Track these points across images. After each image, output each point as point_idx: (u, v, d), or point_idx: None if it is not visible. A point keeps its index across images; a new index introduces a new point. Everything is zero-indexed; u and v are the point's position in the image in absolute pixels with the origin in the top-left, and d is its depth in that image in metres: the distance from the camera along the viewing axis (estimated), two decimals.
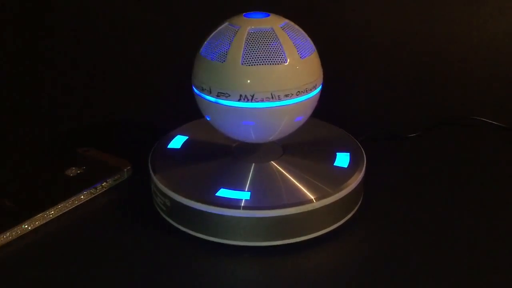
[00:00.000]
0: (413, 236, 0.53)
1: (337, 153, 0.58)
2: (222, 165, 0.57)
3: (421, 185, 0.61)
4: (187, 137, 0.62)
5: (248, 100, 0.50)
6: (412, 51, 0.83)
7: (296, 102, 0.51)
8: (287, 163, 0.57)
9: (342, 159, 0.58)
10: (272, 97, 0.50)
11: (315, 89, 0.53)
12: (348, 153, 0.58)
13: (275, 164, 0.56)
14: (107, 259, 0.51)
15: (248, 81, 0.50)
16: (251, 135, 0.55)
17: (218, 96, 0.51)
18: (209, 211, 0.51)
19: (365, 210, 0.57)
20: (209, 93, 0.51)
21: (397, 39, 0.84)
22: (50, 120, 0.79)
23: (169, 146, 0.61)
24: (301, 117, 0.55)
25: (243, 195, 0.52)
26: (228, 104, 0.51)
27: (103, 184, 0.60)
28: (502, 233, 0.53)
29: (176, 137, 0.62)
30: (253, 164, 0.56)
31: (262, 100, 0.50)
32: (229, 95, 0.50)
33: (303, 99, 0.52)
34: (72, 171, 0.62)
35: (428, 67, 0.82)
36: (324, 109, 0.65)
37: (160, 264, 0.50)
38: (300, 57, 0.51)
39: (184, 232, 0.53)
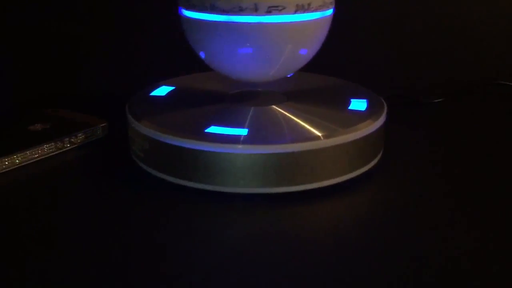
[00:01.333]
0: (432, 197, 0.44)
1: (351, 99, 0.49)
2: (215, 108, 0.47)
3: (444, 148, 0.52)
4: (173, 87, 0.53)
5: (249, 13, 0.41)
6: (438, 13, 0.75)
7: (304, 20, 0.43)
8: (291, 107, 0.47)
9: (359, 104, 0.48)
10: (277, 8, 0.41)
11: (328, 8, 0.44)
12: (365, 100, 0.49)
13: (277, 108, 0.47)
14: (73, 208, 0.41)
15: None
16: (249, 68, 0.46)
17: (211, 9, 0.42)
18: (197, 147, 0.41)
19: (384, 166, 0.47)
20: (201, 7, 0.43)
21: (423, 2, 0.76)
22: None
23: (152, 94, 0.51)
24: (306, 50, 0.46)
25: (240, 132, 0.42)
26: (223, 20, 0.42)
27: (72, 139, 0.51)
28: None
29: (160, 87, 0.53)
30: (252, 107, 0.47)
31: (264, 13, 0.41)
32: (226, 9, 0.41)
33: (311, 17, 0.43)
34: (37, 127, 0.52)
35: (453, 30, 0.74)
36: (338, 69, 0.57)
37: (137, 218, 0.40)
38: None
39: (167, 181, 0.43)
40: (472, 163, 0.49)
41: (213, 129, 0.42)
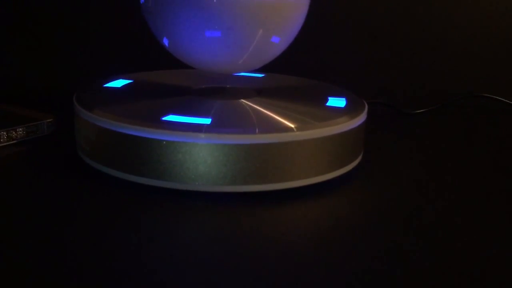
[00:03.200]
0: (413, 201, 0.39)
1: (329, 98, 0.44)
2: (176, 100, 0.42)
3: (424, 155, 0.47)
4: (131, 81, 0.47)
5: None
6: (419, 26, 0.72)
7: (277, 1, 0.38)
8: (263, 102, 0.42)
9: (337, 102, 0.43)
10: None
11: None
12: (344, 98, 0.44)
13: (247, 102, 0.42)
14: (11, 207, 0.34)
15: None
16: (218, 55, 0.40)
17: None
18: (152, 136, 0.35)
19: (364, 169, 0.42)
20: None
21: (404, 12, 0.72)
22: None
23: (106, 85, 0.45)
24: (279, 38, 0.41)
25: (202, 121, 0.36)
26: None
27: (10, 133, 0.44)
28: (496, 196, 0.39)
29: (117, 80, 0.47)
30: (217, 100, 0.41)
31: None
32: None
33: None
34: None
35: (432, 43, 0.71)
36: (317, 76, 0.52)
37: (82, 218, 0.34)
38: None
39: (118, 178, 0.37)
40: (451, 169, 0.44)
41: (171, 118, 0.37)
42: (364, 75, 0.68)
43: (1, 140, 0.43)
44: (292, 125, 0.36)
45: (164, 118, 0.36)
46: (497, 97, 0.60)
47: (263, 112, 0.39)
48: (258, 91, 0.45)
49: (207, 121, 0.36)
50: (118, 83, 0.46)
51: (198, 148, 0.35)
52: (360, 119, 0.41)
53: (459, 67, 0.69)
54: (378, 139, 0.50)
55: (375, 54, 0.70)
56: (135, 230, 0.32)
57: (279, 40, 0.41)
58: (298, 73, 0.53)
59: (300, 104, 0.42)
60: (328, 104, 0.42)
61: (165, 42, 0.42)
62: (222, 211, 0.35)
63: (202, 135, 0.34)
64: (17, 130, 0.45)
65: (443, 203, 0.38)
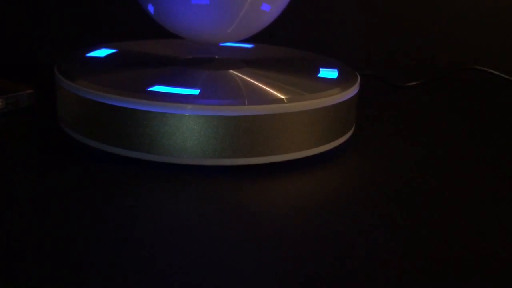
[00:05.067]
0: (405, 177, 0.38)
1: (321, 69, 0.43)
2: (163, 70, 0.40)
3: (418, 130, 0.47)
4: (115, 50, 0.45)
5: None
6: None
7: None
8: (252, 73, 0.41)
9: (329, 73, 0.42)
10: None
11: None
12: (336, 69, 0.43)
13: (235, 73, 0.40)
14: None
15: None
16: (205, 23, 0.39)
17: None
18: (138, 107, 0.34)
19: (356, 143, 0.41)
20: None
21: None
22: None
23: (89, 55, 0.44)
24: (270, 6, 0.39)
25: (190, 91, 0.35)
26: None
27: None
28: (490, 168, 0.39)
29: (100, 50, 0.45)
30: (206, 71, 0.40)
31: None
32: None
33: None
34: None
35: (427, 16, 0.70)
36: (310, 47, 0.51)
37: (69, 195, 0.32)
38: None
39: (102, 151, 0.36)
40: (444, 143, 0.44)
41: (158, 88, 0.35)
42: (354, 47, 0.67)
43: None
44: (282, 97, 0.35)
45: (150, 89, 0.35)
46: (489, 70, 0.59)
47: (252, 83, 0.38)
48: (247, 62, 0.43)
49: (195, 92, 0.35)
50: (101, 52, 0.44)
51: (186, 120, 0.33)
52: (353, 90, 0.40)
53: (451, 39, 0.68)
54: (370, 113, 0.48)
55: (366, 25, 0.69)
56: (120, 204, 0.31)
57: (269, 8, 0.40)
58: (287, 44, 0.52)
59: (291, 76, 0.41)
60: (319, 75, 0.41)
61: (150, 9, 0.40)
62: (210, 184, 0.33)
63: (190, 106, 0.33)
64: None
65: (434, 177, 0.37)
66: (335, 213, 0.31)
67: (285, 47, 0.50)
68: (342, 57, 0.49)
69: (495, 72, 0.59)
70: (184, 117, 0.33)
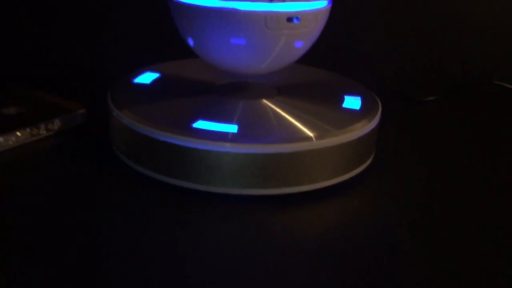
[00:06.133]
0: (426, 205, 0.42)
1: (345, 96, 0.47)
2: (201, 99, 0.45)
3: (439, 148, 0.50)
4: (158, 75, 0.50)
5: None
6: (433, 12, 0.73)
7: (300, 10, 0.40)
8: (282, 102, 0.45)
9: (352, 102, 0.46)
10: None
11: None
12: (359, 97, 0.47)
13: (268, 103, 0.45)
14: (46, 203, 0.38)
15: None
16: (241, 60, 0.43)
17: None
18: (183, 144, 0.38)
19: (377, 168, 0.45)
20: None
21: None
22: None
23: (135, 81, 0.48)
24: (302, 42, 0.43)
25: (229, 128, 0.40)
26: (214, 5, 0.39)
27: (48, 126, 0.48)
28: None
29: (145, 73, 0.50)
30: (241, 100, 0.44)
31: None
32: None
33: (309, 6, 0.41)
34: (12, 110, 0.49)
35: (447, 29, 0.72)
36: (330, 63, 0.54)
37: (118, 217, 0.38)
38: None
39: (149, 177, 0.41)
40: (465, 164, 0.47)
41: (200, 124, 0.40)
42: (374, 61, 0.69)
43: (41, 132, 0.47)
44: (311, 134, 0.40)
45: (194, 125, 0.39)
46: (508, 85, 0.62)
47: (283, 117, 0.42)
48: (278, 88, 0.47)
49: (233, 128, 0.39)
50: (147, 77, 0.49)
51: (225, 156, 0.38)
52: (375, 121, 0.44)
53: (470, 53, 0.71)
54: (390, 131, 0.52)
55: (384, 40, 0.71)
56: (165, 228, 0.36)
57: (302, 44, 0.44)
58: (309, 59, 0.55)
59: (318, 105, 0.45)
60: (344, 105, 0.45)
61: (190, 42, 0.44)
62: (246, 211, 0.38)
63: (229, 145, 0.38)
64: (55, 122, 0.48)
65: (453, 205, 0.41)
66: (354, 240, 0.36)
67: (311, 66, 0.54)
68: (361, 71, 0.52)
69: None
70: (223, 154, 0.38)
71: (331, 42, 0.53)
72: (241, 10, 0.39)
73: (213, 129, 0.39)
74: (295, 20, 0.41)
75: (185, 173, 0.39)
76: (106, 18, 0.74)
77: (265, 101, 0.45)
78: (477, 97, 0.63)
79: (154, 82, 0.48)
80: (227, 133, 0.39)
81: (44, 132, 0.47)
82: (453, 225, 0.38)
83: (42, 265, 0.32)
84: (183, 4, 0.41)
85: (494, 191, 0.44)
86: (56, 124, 0.48)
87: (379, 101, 0.47)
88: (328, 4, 0.44)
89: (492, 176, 0.46)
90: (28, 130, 0.46)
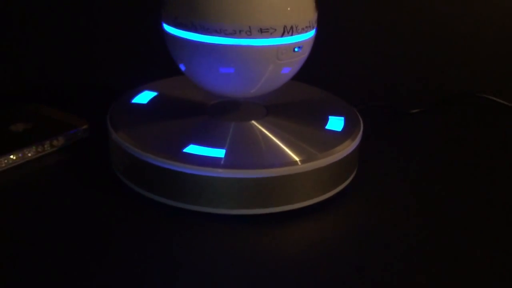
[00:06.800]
0: (408, 220, 0.45)
1: (329, 116, 0.50)
2: (194, 122, 0.48)
3: (420, 162, 0.53)
4: (156, 93, 0.53)
5: (230, 35, 0.41)
6: (418, 25, 0.76)
7: (286, 44, 0.43)
8: (270, 124, 0.48)
9: (336, 123, 0.49)
10: (259, 32, 0.41)
11: (310, 29, 0.45)
12: (343, 117, 0.50)
13: (256, 124, 0.48)
14: (50, 221, 0.42)
15: (231, 10, 0.41)
16: (230, 87, 0.46)
17: (193, 29, 0.42)
18: (175, 168, 0.42)
19: (359, 184, 0.48)
20: (183, 26, 0.43)
21: (404, 10, 0.77)
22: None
23: (133, 101, 0.52)
24: (289, 68, 0.46)
25: (217, 153, 0.43)
26: (204, 41, 0.42)
27: (53, 142, 0.51)
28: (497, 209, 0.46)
29: (143, 92, 0.53)
30: (231, 122, 0.47)
31: (246, 36, 0.41)
32: (207, 28, 0.42)
33: (295, 40, 0.43)
34: (18, 127, 0.53)
35: (433, 42, 0.75)
36: (318, 76, 0.57)
37: (116, 233, 0.41)
38: None
39: (146, 197, 0.44)
40: (448, 178, 0.50)
41: (191, 149, 0.43)
42: (361, 74, 0.71)
43: (46, 149, 0.51)
44: (297, 158, 0.43)
45: (185, 150, 0.43)
46: (493, 97, 0.64)
47: (271, 140, 0.45)
48: (267, 107, 0.50)
49: (221, 153, 0.43)
50: (144, 97, 0.52)
51: (212, 180, 0.41)
52: (356, 142, 0.47)
53: (455, 66, 0.73)
54: (373, 144, 0.54)
55: (373, 52, 0.73)
56: (161, 245, 0.39)
57: (289, 70, 0.46)
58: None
59: (304, 125, 0.48)
60: (327, 127, 0.48)
61: (182, 67, 0.47)
62: (233, 230, 0.42)
63: (216, 170, 0.41)
64: (59, 138, 0.51)
65: (432, 221, 0.44)
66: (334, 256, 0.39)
67: (298, 81, 0.57)
68: (348, 83, 0.54)
69: (498, 100, 0.64)
70: (211, 178, 0.41)
71: (319, 56, 0.56)
72: (231, 45, 0.42)
73: (202, 154, 0.42)
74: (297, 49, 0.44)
75: (176, 194, 0.43)
76: (111, 31, 0.77)
77: (254, 122, 0.48)
78: (462, 109, 0.65)
79: (151, 101, 0.52)
80: (215, 158, 0.42)
81: (49, 149, 0.51)
82: (429, 244, 0.42)
83: (41, 272, 0.36)
84: (173, 35, 0.44)
85: (477, 209, 0.46)
86: (60, 140, 0.52)
87: (361, 120, 0.50)
88: (315, 30, 0.46)
89: (475, 193, 0.49)
90: (33, 148, 0.50)
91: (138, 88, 0.54)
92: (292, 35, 0.43)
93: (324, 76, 0.60)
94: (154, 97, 0.52)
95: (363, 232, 0.43)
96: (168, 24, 0.44)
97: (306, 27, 0.44)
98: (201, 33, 0.42)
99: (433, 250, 0.41)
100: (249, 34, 0.41)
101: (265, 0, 0.42)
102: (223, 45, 0.42)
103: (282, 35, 0.42)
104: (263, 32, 0.41)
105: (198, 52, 0.43)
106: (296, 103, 0.53)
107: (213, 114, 0.49)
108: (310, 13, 0.45)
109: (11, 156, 0.48)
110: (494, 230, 0.44)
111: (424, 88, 0.70)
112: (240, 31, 0.41)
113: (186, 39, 0.43)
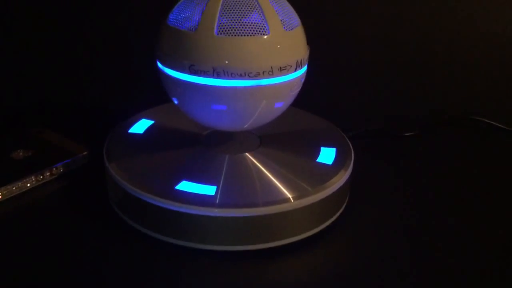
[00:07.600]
0: (401, 248, 0.46)
1: (321, 148, 0.51)
2: (188, 154, 0.49)
3: (414, 188, 0.54)
4: (152, 122, 0.54)
5: (222, 77, 0.42)
6: (411, 48, 0.77)
7: (277, 83, 0.44)
8: (263, 155, 0.49)
9: (327, 155, 0.50)
10: (250, 75, 0.42)
11: (300, 68, 0.45)
12: (334, 148, 0.51)
13: (250, 157, 0.49)
14: (47, 254, 0.43)
15: (222, 54, 0.42)
16: (223, 122, 0.47)
17: (186, 70, 0.43)
18: (166, 206, 0.43)
19: (350, 215, 0.49)
20: (176, 67, 0.44)
21: (396, 35, 0.78)
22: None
23: (130, 131, 0.53)
24: (282, 103, 0.47)
25: (209, 190, 0.44)
26: (197, 82, 0.43)
27: (52, 170, 0.52)
28: (494, 235, 0.47)
29: (140, 121, 0.54)
30: (225, 155, 0.49)
31: (238, 77, 0.42)
32: (200, 70, 0.42)
33: (285, 79, 0.44)
34: (19, 155, 0.54)
35: (427, 65, 0.76)
36: (311, 102, 0.58)
37: (108, 266, 0.42)
38: (284, 29, 0.43)
39: (139, 231, 0.45)
40: (441, 204, 0.51)
41: (183, 186, 0.44)
42: (355, 99, 0.72)
43: (45, 177, 0.52)
44: (289, 195, 0.44)
45: (177, 187, 0.44)
46: (488, 121, 0.65)
47: (263, 174, 0.46)
48: (260, 138, 0.51)
49: (212, 190, 0.44)
50: (141, 126, 0.53)
51: (204, 218, 0.43)
52: (347, 175, 0.48)
53: (450, 89, 0.73)
54: (366, 169, 0.54)
55: (365, 77, 0.74)
56: (152, 279, 0.41)
57: (282, 104, 0.47)
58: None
59: (296, 157, 0.49)
60: (318, 160, 0.49)
61: (175, 101, 0.48)
62: (224, 265, 0.43)
63: (211, 209, 0.42)
64: (58, 167, 0.53)
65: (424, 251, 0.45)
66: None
67: (293, 107, 0.57)
68: (341, 108, 0.54)
69: (492, 122, 0.65)
70: (202, 217, 0.42)
71: (312, 82, 0.57)
72: (224, 87, 0.43)
73: (194, 192, 0.44)
74: None
75: (167, 230, 0.44)
76: (116, 49, 0.78)
77: (247, 155, 0.49)
78: (455, 132, 0.66)
79: (148, 131, 0.53)
80: (207, 196, 0.43)
81: (48, 177, 0.52)
82: (423, 272, 0.43)
83: None
84: (167, 74, 0.45)
85: (476, 239, 0.47)
86: (59, 168, 0.53)
87: (352, 151, 0.51)
88: (307, 66, 0.47)
89: (472, 221, 0.49)
90: (33, 177, 0.51)
91: (136, 116, 0.55)
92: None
93: (318, 101, 0.61)
94: (151, 126, 0.54)
95: (355, 264, 0.44)
96: (162, 63, 0.45)
97: (298, 66, 0.45)
98: (193, 75, 0.43)
99: (427, 279, 0.42)
100: (239, 76, 0.42)
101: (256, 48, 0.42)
102: (215, 87, 0.43)
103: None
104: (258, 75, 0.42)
105: (190, 92, 0.44)
106: (289, 132, 0.54)
107: (207, 144, 0.50)
108: (301, 52, 0.45)
109: (10, 187, 0.49)
110: (493, 256, 0.45)
111: (414, 112, 0.70)
112: (231, 74, 0.42)
113: (178, 79, 0.44)
